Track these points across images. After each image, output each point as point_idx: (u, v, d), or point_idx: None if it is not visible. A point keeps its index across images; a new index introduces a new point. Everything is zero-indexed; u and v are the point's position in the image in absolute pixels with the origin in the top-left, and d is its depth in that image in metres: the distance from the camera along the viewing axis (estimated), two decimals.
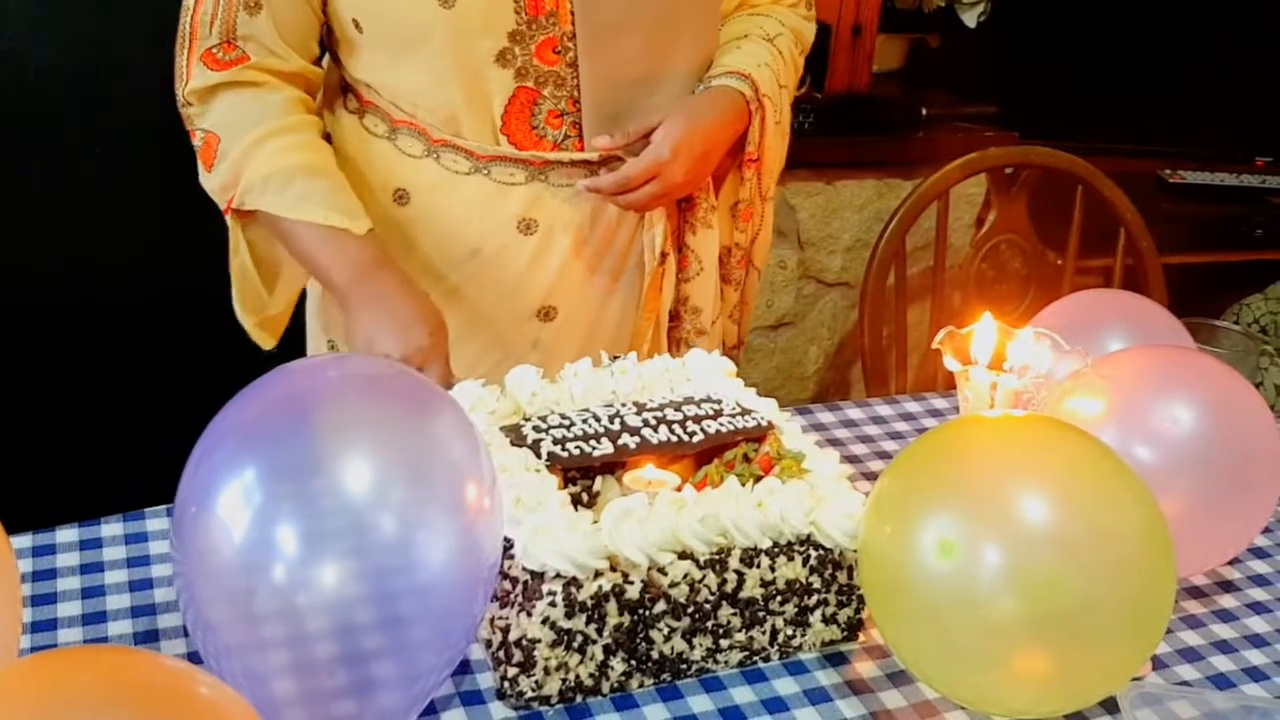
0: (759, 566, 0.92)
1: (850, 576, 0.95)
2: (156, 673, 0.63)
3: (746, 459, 1.00)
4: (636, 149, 1.25)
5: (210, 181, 1.22)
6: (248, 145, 1.19)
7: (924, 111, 2.37)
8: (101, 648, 0.83)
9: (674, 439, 0.99)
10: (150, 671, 0.63)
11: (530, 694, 0.88)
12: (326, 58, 1.32)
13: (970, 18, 2.38)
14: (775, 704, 0.91)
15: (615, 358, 1.10)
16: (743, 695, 0.92)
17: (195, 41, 1.20)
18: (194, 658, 0.84)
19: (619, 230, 1.33)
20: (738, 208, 1.39)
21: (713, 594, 0.91)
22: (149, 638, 0.93)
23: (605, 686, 0.90)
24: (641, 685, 0.91)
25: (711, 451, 1.00)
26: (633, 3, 1.21)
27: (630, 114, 1.26)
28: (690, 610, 0.90)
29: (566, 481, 0.95)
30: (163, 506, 1.06)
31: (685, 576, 0.89)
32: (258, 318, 1.33)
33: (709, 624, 0.91)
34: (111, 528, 1.05)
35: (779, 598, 0.93)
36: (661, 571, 0.88)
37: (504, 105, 1.22)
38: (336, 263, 1.19)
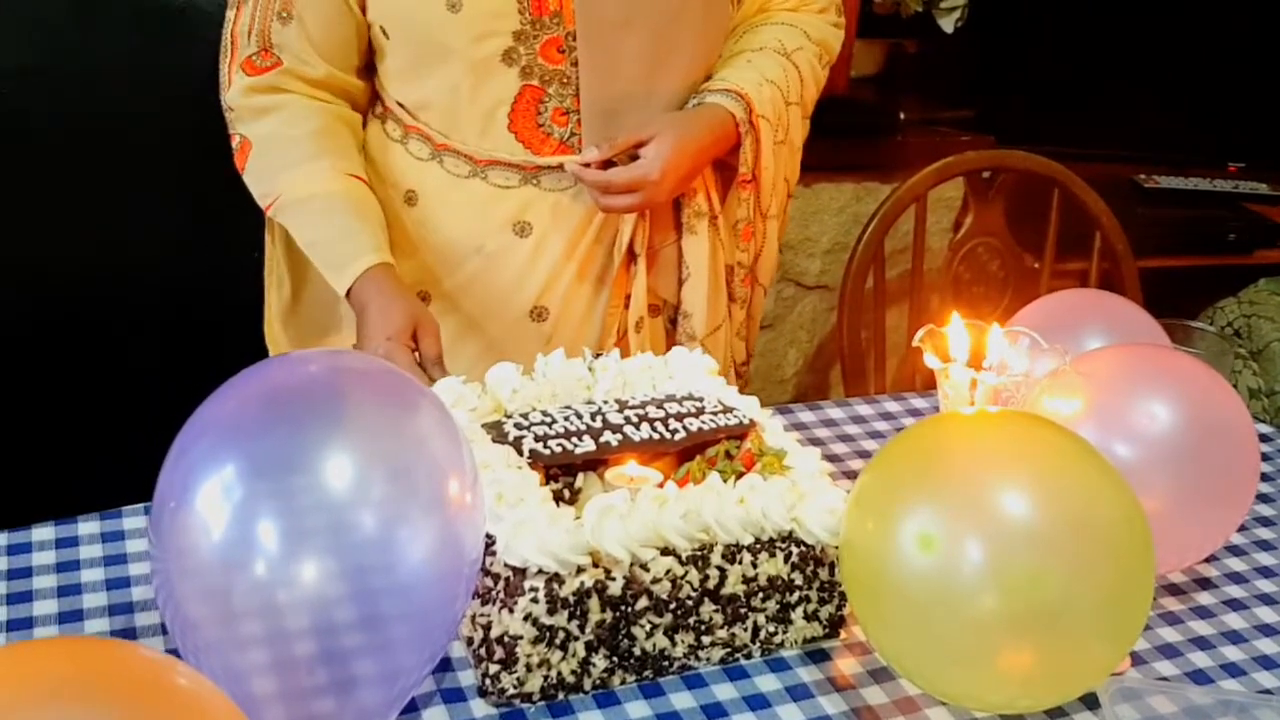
0: (741, 563, 0.91)
1: (832, 573, 0.95)
2: (134, 663, 0.63)
3: (728, 456, 1.00)
4: (626, 159, 1.28)
5: (245, 177, 1.31)
6: (279, 167, 1.28)
7: (901, 116, 2.38)
8: (79, 638, 0.82)
9: (656, 436, 0.99)
10: (128, 661, 0.63)
11: (512, 691, 0.87)
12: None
13: (947, 23, 2.39)
14: (757, 700, 0.91)
15: (597, 355, 1.11)
16: (725, 692, 0.92)
17: (236, 51, 1.28)
18: (172, 656, 0.84)
19: (605, 233, 1.35)
20: (737, 226, 1.40)
21: (695, 590, 0.91)
22: (126, 636, 0.92)
23: (587, 683, 0.89)
24: (624, 682, 0.91)
25: (693, 449, 1.00)
26: (633, 1, 1.23)
27: (628, 112, 1.28)
28: (672, 606, 0.90)
29: (548, 478, 0.95)
30: (140, 505, 1.05)
31: (667, 573, 0.89)
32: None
33: (691, 620, 0.91)
34: (88, 526, 1.04)
35: (761, 594, 0.93)
36: (644, 568, 0.88)
37: (511, 103, 1.26)
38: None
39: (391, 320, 1.19)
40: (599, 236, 1.34)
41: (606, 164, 1.28)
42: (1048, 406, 1.04)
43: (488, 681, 0.88)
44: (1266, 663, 1.02)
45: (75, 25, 1.89)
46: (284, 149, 1.28)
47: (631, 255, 1.35)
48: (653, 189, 1.26)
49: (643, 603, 0.89)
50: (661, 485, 0.93)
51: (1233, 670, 1.01)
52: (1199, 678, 0.99)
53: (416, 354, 1.19)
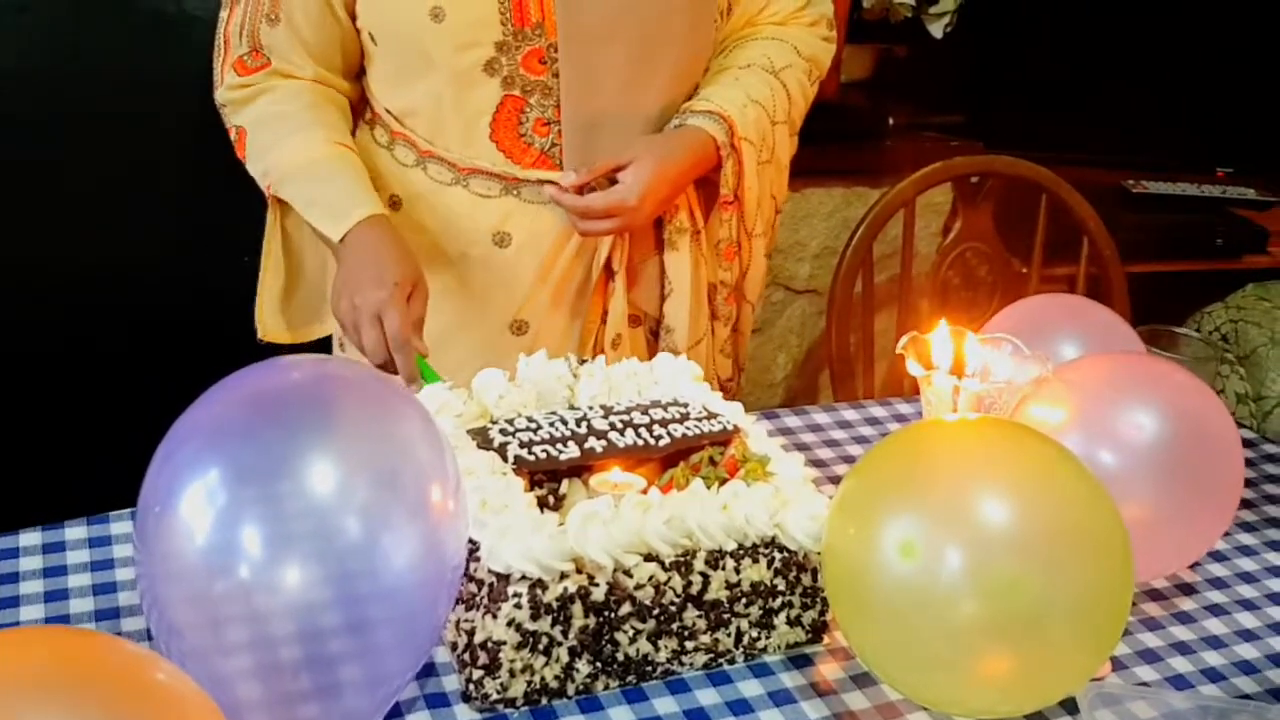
0: (724, 569, 0.92)
1: (814, 579, 0.96)
2: (113, 655, 0.63)
3: (712, 462, 1.01)
4: (605, 183, 1.28)
5: (247, 165, 1.32)
6: (273, 141, 1.29)
7: (890, 121, 2.39)
8: (59, 628, 0.82)
9: (640, 442, 0.99)
10: (107, 653, 0.63)
11: (495, 696, 0.88)
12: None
13: (937, 29, 2.40)
14: (740, 706, 0.91)
15: (583, 361, 1.11)
16: (708, 697, 0.92)
17: (228, 50, 1.30)
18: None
19: (585, 248, 1.35)
20: (719, 246, 1.40)
21: (678, 596, 0.91)
22: None
23: (571, 689, 0.90)
24: (607, 687, 0.91)
25: (678, 455, 1.01)
26: (616, 14, 1.24)
27: (609, 125, 1.28)
28: (655, 612, 0.91)
29: (533, 484, 0.95)
30: (127, 510, 1.06)
31: (650, 578, 0.89)
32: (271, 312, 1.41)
33: (674, 626, 0.92)
34: (75, 530, 1.04)
35: (744, 600, 0.94)
36: (627, 573, 0.89)
37: (492, 113, 1.27)
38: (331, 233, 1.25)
39: (401, 268, 1.19)
40: (578, 252, 1.34)
41: (586, 187, 1.28)
42: (1033, 415, 1.04)
43: (471, 687, 0.88)
44: (1246, 668, 1.03)
45: (75, 25, 1.90)
46: (277, 124, 1.29)
47: (609, 271, 1.36)
48: (631, 214, 1.27)
49: (626, 608, 0.89)
50: (645, 491, 0.94)
51: (1213, 675, 1.01)
52: (1179, 683, 1.00)
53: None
